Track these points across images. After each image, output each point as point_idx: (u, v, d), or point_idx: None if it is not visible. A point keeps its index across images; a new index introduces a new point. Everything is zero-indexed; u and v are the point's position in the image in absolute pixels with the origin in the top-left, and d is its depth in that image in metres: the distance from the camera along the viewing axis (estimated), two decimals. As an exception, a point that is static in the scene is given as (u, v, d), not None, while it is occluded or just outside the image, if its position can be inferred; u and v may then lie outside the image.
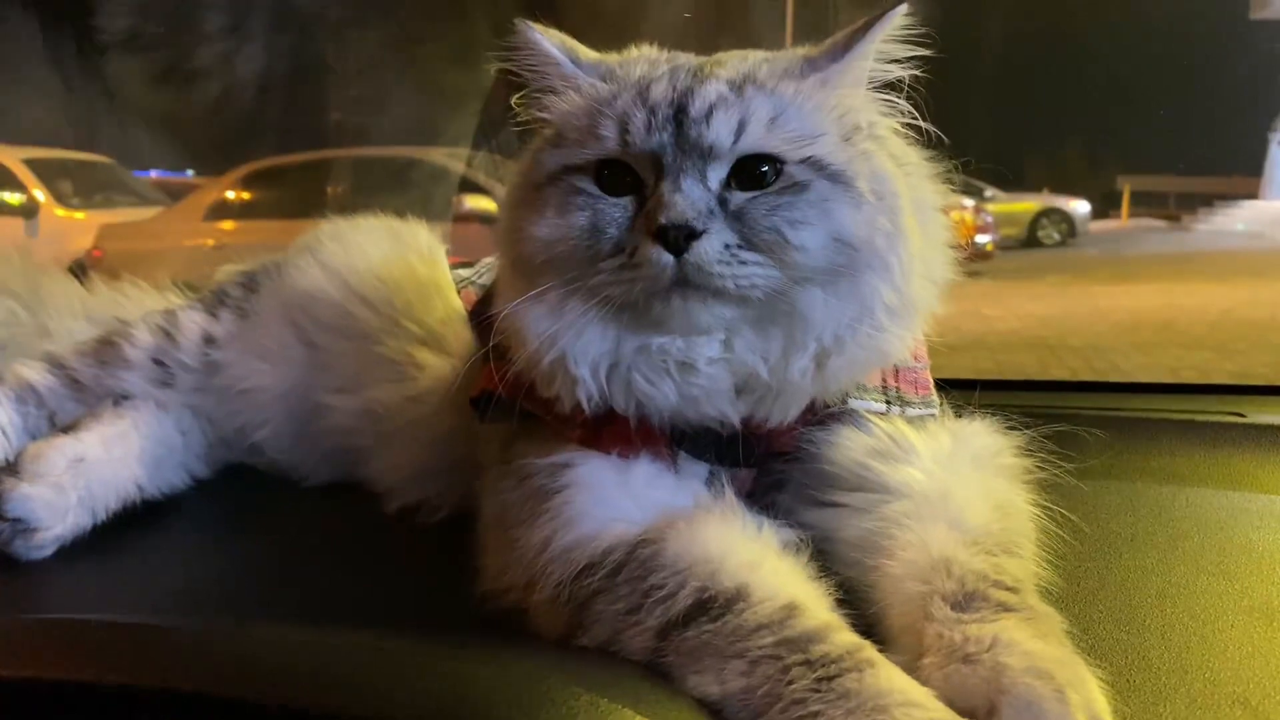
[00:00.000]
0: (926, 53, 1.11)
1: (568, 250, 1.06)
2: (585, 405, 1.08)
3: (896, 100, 1.14)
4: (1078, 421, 1.41)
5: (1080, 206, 16.51)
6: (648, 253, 1.00)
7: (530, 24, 1.16)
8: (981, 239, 12.40)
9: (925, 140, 1.17)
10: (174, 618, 1.10)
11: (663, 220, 0.99)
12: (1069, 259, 14.60)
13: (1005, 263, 13.31)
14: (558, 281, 1.06)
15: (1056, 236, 16.18)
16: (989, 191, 15.82)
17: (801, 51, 1.14)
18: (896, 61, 1.12)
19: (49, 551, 1.35)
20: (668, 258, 0.99)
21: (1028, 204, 16.44)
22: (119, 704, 0.80)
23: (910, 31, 1.11)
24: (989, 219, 13.04)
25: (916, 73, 1.12)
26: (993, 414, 1.20)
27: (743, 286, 1.01)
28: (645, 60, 1.16)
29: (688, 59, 1.15)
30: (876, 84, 1.13)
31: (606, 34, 1.23)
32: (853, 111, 1.10)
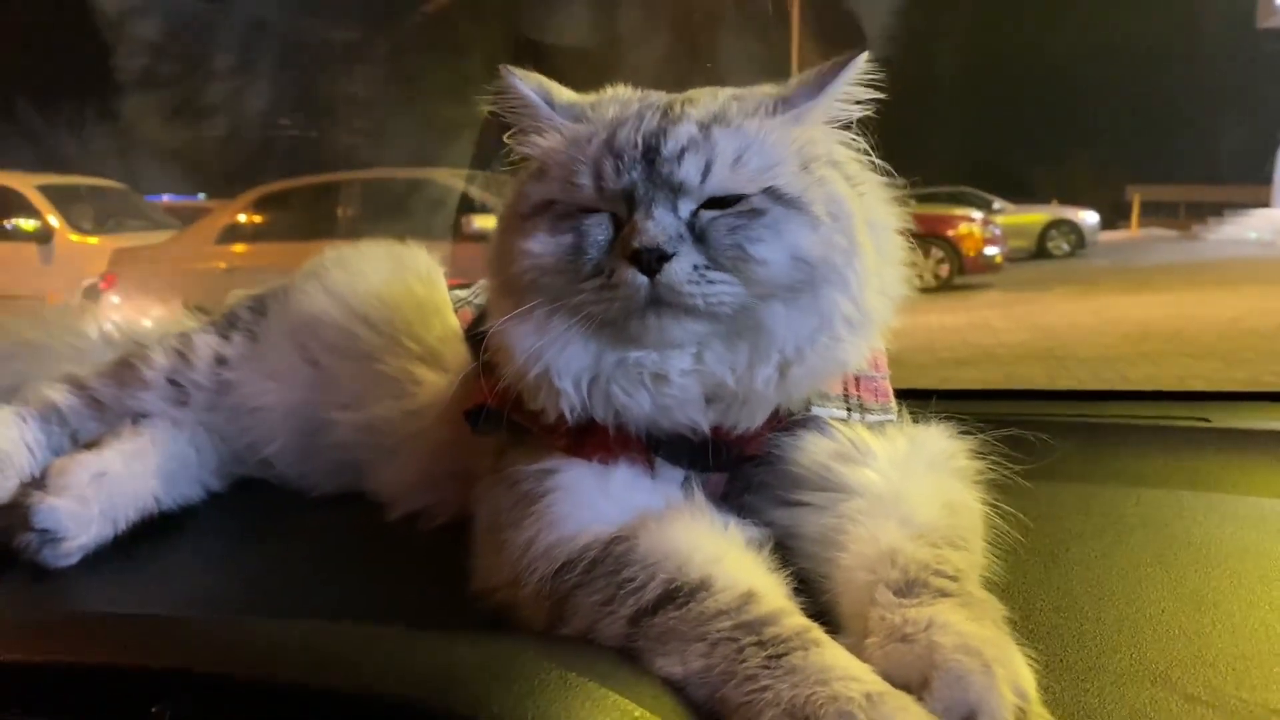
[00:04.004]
0: (881, 96, 1.21)
1: (553, 265, 1.15)
2: (568, 416, 1.17)
3: (855, 137, 1.23)
4: (1051, 428, 1.49)
5: (1089, 217, 16.53)
6: (624, 274, 1.09)
7: (511, 70, 1.25)
8: (990, 251, 12.46)
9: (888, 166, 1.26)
10: (189, 613, 1.19)
11: (636, 244, 1.08)
12: (1078, 270, 14.61)
13: (1014, 274, 13.33)
14: (542, 300, 1.15)
15: (1065, 247, 16.21)
16: (998, 204, 15.91)
17: (772, 90, 1.23)
18: (859, 103, 1.21)
19: (74, 560, 1.44)
20: (642, 279, 1.09)
21: (1037, 215, 16.49)
22: (140, 683, 0.89)
23: (870, 76, 1.20)
24: (998, 231, 13.08)
25: (870, 113, 1.21)
26: (946, 418, 1.29)
27: (711, 304, 1.10)
28: (618, 101, 1.25)
29: (658, 97, 1.24)
30: (839, 123, 1.22)
31: (591, 72, 1.31)
32: (812, 143, 1.19)
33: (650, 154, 1.14)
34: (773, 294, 1.12)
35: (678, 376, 1.15)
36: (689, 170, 1.12)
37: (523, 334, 1.17)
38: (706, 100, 1.21)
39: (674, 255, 1.08)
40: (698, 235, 1.11)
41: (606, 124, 1.19)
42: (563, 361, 1.15)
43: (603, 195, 1.15)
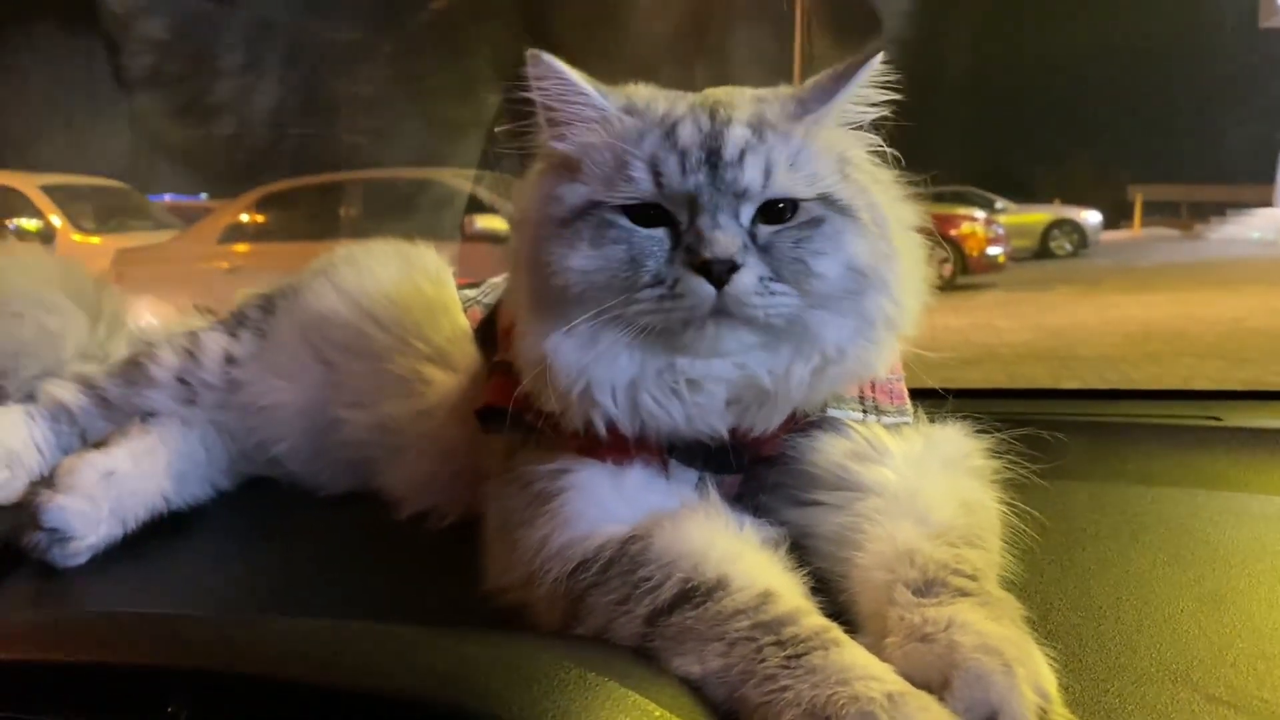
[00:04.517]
0: (897, 97, 1.19)
1: (605, 280, 1.11)
2: (600, 428, 1.15)
3: (872, 135, 1.22)
4: (1064, 427, 1.48)
5: (1092, 217, 16.54)
6: (690, 284, 1.07)
7: (547, 54, 1.18)
8: (993, 250, 12.45)
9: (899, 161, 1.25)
10: (199, 613, 1.19)
11: (707, 255, 1.06)
12: (1081, 269, 14.61)
13: (1017, 274, 13.32)
14: (591, 313, 1.11)
15: (1068, 247, 16.21)
16: (1000, 203, 15.91)
17: (789, 91, 1.21)
18: (873, 105, 1.20)
19: (83, 559, 1.43)
20: (709, 289, 1.07)
21: (1039, 215, 16.49)
22: (156, 682, 0.88)
23: (886, 78, 1.19)
24: (1000, 230, 13.08)
25: (887, 114, 1.20)
26: (964, 418, 1.28)
27: (771, 315, 1.09)
28: (664, 96, 1.21)
29: (692, 98, 1.21)
30: (854, 125, 1.21)
31: (596, 65, 1.28)
32: (844, 147, 1.19)
33: (713, 157, 1.11)
34: (824, 304, 1.12)
35: (712, 384, 1.14)
36: (752, 175, 1.10)
37: (568, 351, 1.13)
38: (740, 101, 1.19)
39: (742, 266, 1.07)
40: (760, 245, 1.10)
41: (658, 120, 1.16)
42: (607, 376, 1.13)
43: (662, 194, 1.11)
